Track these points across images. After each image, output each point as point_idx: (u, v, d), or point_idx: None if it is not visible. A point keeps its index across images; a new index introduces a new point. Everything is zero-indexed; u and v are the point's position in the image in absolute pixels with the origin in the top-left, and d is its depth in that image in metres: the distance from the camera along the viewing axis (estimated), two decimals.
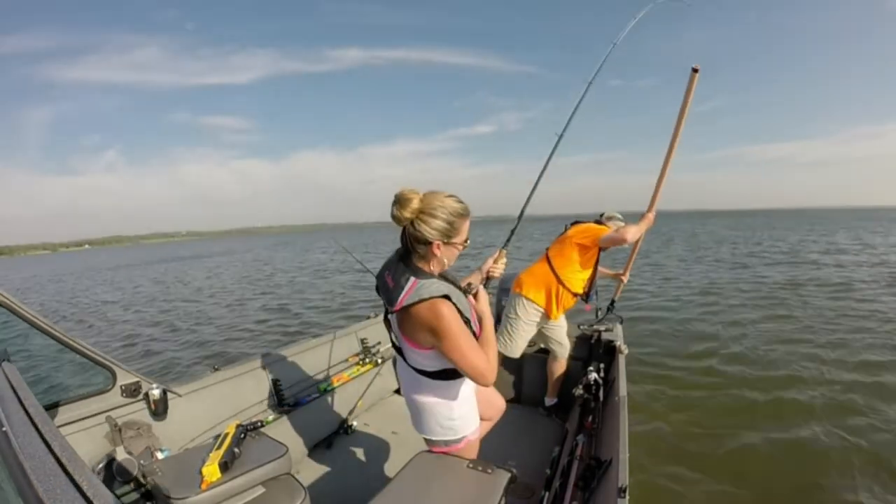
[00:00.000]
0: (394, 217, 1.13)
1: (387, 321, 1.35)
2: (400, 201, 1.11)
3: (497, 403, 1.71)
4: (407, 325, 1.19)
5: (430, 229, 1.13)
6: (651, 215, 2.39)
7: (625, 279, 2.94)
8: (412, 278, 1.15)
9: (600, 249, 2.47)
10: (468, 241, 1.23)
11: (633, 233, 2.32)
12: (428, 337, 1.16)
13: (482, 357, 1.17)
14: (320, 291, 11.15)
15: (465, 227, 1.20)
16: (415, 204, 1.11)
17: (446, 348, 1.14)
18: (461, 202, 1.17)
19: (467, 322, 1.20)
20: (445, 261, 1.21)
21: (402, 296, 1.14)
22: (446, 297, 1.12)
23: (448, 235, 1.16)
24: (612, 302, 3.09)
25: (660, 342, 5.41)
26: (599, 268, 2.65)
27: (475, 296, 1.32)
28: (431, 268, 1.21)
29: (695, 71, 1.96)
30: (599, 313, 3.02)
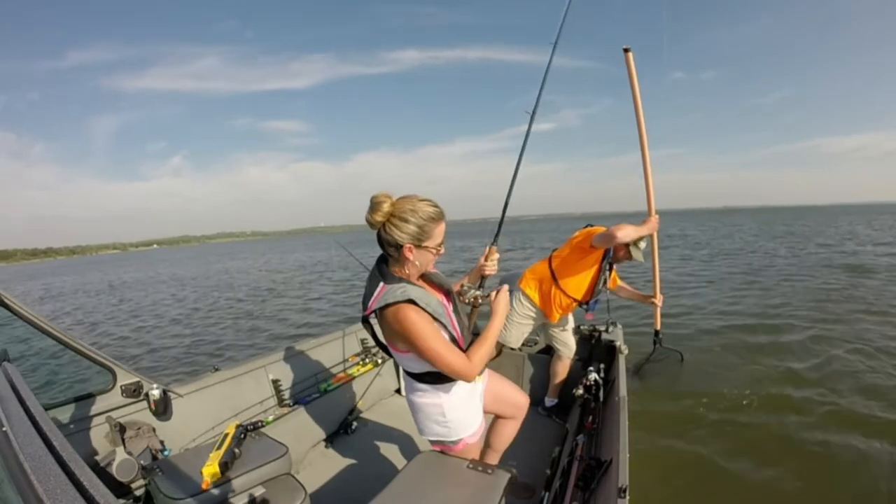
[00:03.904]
0: (367, 221, 1.15)
1: (366, 324, 1.34)
2: (372, 205, 1.13)
3: (513, 400, 1.67)
4: (384, 328, 1.21)
5: (401, 233, 1.14)
6: (653, 219, 2.23)
7: (657, 301, 2.68)
8: (381, 283, 1.18)
9: (604, 257, 2.36)
10: (443, 246, 1.23)
11: (626, 230, 2.11)
12: (401, 341, 1.18)
13: (457, 356, 1.17)
14: None
15: (439, 231, 1.20)
16: (385, 208, 1.12)
17: (419, 351, 1.15)
18: (435, 206, 1.17)
19: (444, 326, 1.20)
20: (418, 264, 1.21)
21: (371, 301, 1.17)
22: (410, 301, 1.13)
23: (419, 239, 1.16)
24: (657, 333, 2.80)
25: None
26: (626, 287, 2.63)
27: (497, 293, 1.34)
28: (407, 271, 1.22)
29: (626, 51, 2.04)
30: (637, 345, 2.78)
